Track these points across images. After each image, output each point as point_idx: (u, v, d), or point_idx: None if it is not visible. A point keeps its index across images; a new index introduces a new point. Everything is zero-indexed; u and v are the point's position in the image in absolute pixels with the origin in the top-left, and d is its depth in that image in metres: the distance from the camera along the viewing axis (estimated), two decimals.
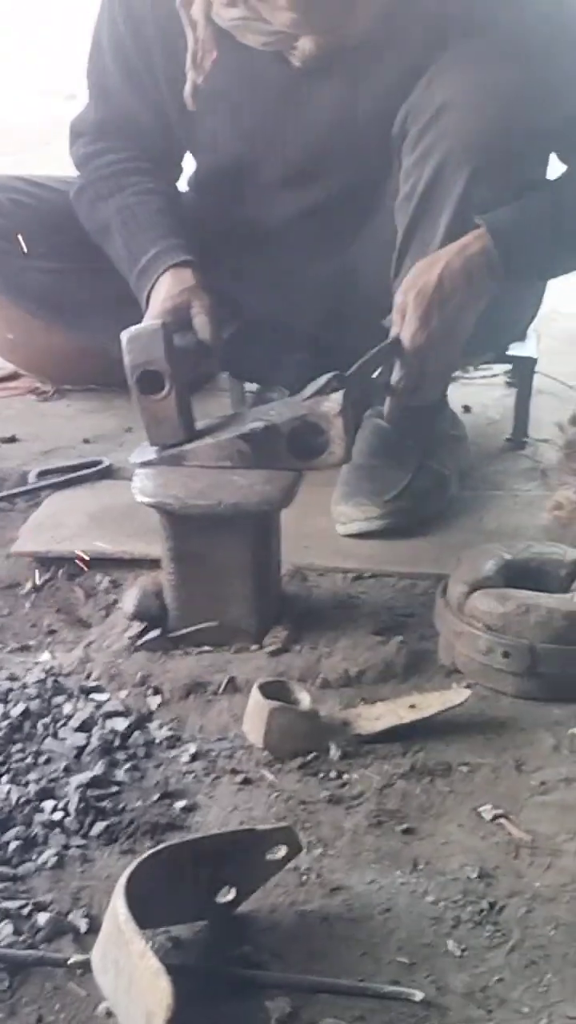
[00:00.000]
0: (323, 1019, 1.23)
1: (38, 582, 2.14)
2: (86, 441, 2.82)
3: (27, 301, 2.64)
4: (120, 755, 1.65)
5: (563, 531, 2.27)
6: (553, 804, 1.57)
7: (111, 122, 2.37)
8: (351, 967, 1.30)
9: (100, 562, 2.18)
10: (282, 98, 2.21)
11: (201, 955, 1.32)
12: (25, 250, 2.48)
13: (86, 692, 1.80)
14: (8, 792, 1.56)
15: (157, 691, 1.81)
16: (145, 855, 1.28)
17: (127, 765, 1.63)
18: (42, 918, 1.34)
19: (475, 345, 2.26)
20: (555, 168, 2.24)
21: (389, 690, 1.83)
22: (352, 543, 2.27)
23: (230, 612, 1.91)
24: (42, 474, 2.53)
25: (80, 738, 1.67)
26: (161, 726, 1.73)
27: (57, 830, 1.50)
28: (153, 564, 2.05)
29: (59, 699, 1.78)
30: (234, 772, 1.63)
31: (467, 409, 3.01)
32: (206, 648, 1.90)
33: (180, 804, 1.56)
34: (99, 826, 1.50)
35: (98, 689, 1.81)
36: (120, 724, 1.71)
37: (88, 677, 1.84)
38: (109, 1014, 1.21)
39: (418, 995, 1.25)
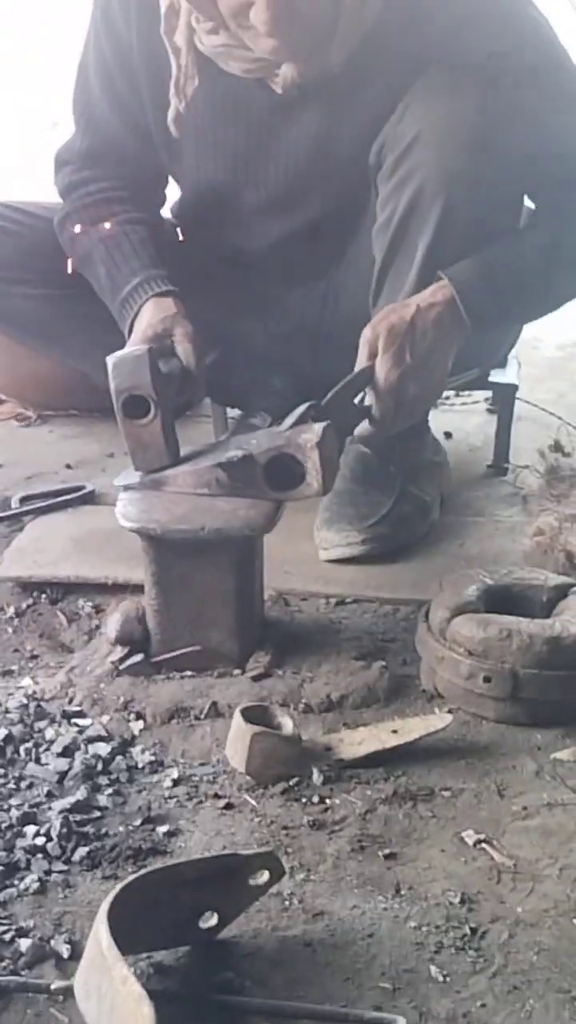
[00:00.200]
0: None
1: (20, 607, 2.14)
2: (68, 466, 2.82)
3: (10, 327, 2.64)
4: (102, 780, 1.65)
5: (544, 557, 2.28)
6: (535, 829, 1.57)
7: (97, 150, 2.37)
8: (334, 993, 1.30)
9: (82, 587, 2.18)
10: (264, 125, 2.22)
11: (183, 981, 1.32)
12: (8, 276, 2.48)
13: (68, 717, 1.80)
14: None
15: (140, 716, 1.81)
16: (127, 880, 1.28)
17: (109, 790, 1.63)
18: (24, 944, 1.34)
19: (455, 368, 2.26)
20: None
21: (371, 715, 1.83)
22: (334, 568, 2.28)
23: (213, 637, 1.91)
24: (25, 499, 2.53)
25: (62, 763, 1.67)
26: (144, 751, 1.73)
27: (39, 855, 1.49)
28: (136, 589, 2.06)
29: (41, 724, 1.78)
30: (217, 797, 1.63)
31: (448, 435, 3.02)
32: (189, 673, 1.90)
33: (163, 829, 1.55)
34: (81, 851, 1.50)
35: (80, 714, 1.81)
36: (103, 749, 1.71)
37: (70, 702, 1.84)
38: None
39: (401, 1021, 1.24)
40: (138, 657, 1.91)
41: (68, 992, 1.25)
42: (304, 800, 1.62)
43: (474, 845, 1.54)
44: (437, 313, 2.00)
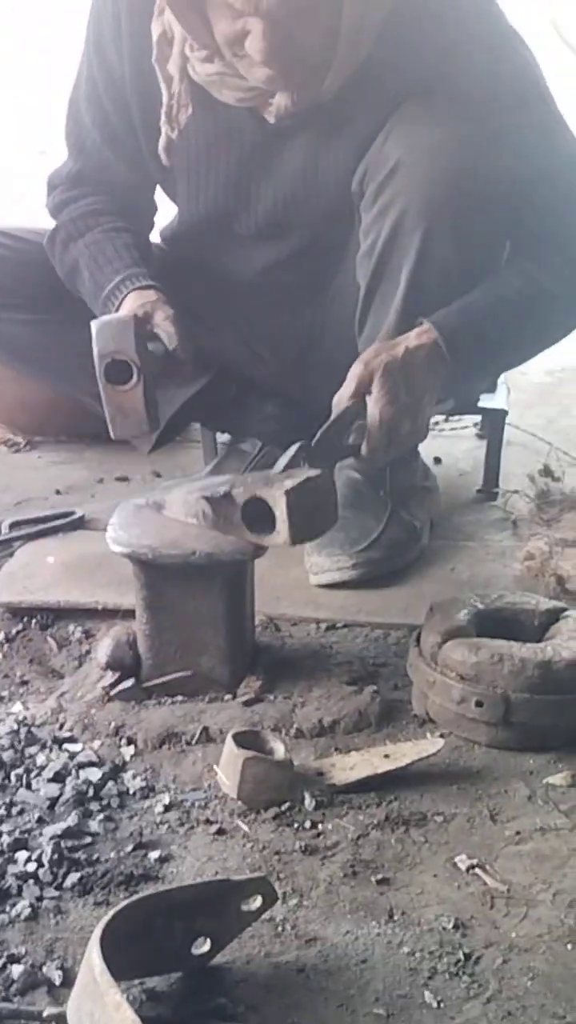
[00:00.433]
0: None
1: (10, 633, 2.13)
2: (58, 492, 2.82)
3: (0, 352, 2.64)
4: (94, 806, 1.65)
5: (535, 581, 2.28)
6: (528, 854, 1.57)
7: (87, 173, 2.38)
8: (327, 1019, 1.30)
9: (73, 612, 2.18)
10: (255, 153, 2.22)
11: (176, 1007, 1.31)
12: None
13: (59, 742, 1.79)
14: None
15: (131, 741, 1.81)
16: (120, 906, 1.28)
17: (101, 816, 1.62)
18: (16, 970, 1.33)
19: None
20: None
21: (363, 740, 1.83)
22: (325, 593, 2.28)
23: (204, 662, 1.91)
24: (14, 525, 2.52)
25: (53, 789, 1.67)
26: (135, 776, 1.72)
27: (31, 881, 1.49)
28: (126, 614, 2.06)
29: (32, 750, 1.77)
30: (208, 822, 1.62)
31: (438, 461, 3.02)
32: (180, 698, 1.90)
33: (154, 855, 1.55)
34: (73, 877, 1.49)
35: (71, 739, 1.81)
36: (94, 774, 1.70)
37: (61, 727, 1.84)
38: None
39: None
40: (129, 682, 1.90)
41: (61, 1019, 1.24)
42: (296, 825, 1.62)
43: (467, 870, 1.53)
44: (425, 353, 2.00)
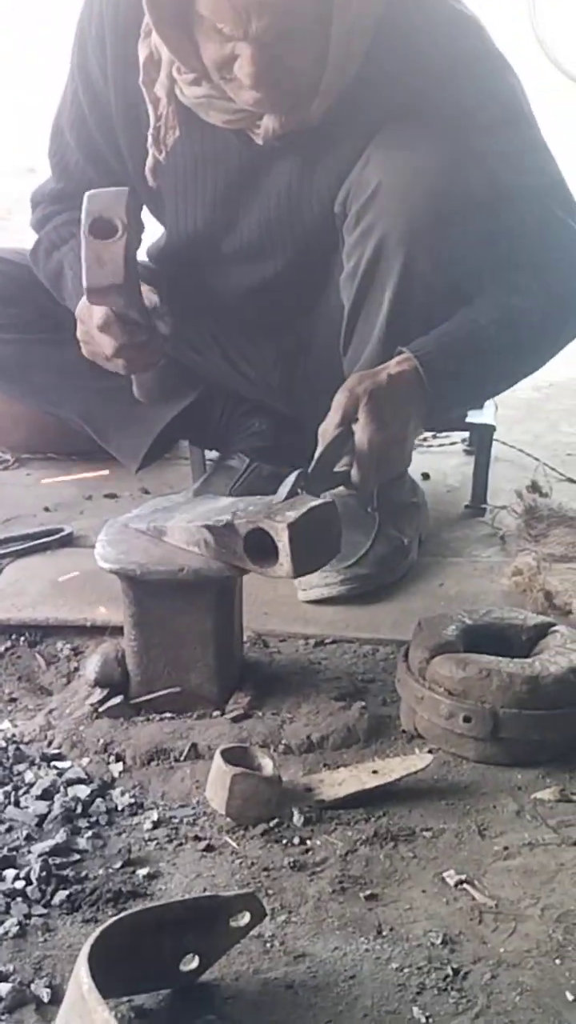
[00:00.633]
0: None
1: None
2: (47, 509, 2.82)
3: None
4: (82, 823, 1.64)
5: (523, 596, 2.29)
6: (516, 869, 1.57)
7: (71, 191, 2.37)
8: None
9: (61, 629, 2.18)
10: (241, 174, 2.23)
11: None
12: None
13: (48, 760, 1.79)
14: None
15: (119, 758, 1.80)
16: (108, 923, 1.27)
17: (89, 833, 1.62)
18: (3, 988, 1.33)
19: None
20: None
21: (351, 756, 1.83)
22: (313, 609, 2.28)
23: (192, 678, 1.91)
24: (3, 542, 2.52)
25: (42, 806, 1.66)
26: (123, 793, 1.72)
27: (19, 899, 1.48)
28: (114, 631, 2.06)
29: (20, 767, 1.77)
30: (197, 839, 1.62)
31: (426, 476, 3.03)
32: (168, 714, 1.90)
33: (143, 872, 1.55)
34: (61, 895, 1.49)
35: (60, 756, 1.81)
36: (82, 791, 1.70)
37: (50, 744, 1.84)
38: None
39: None
40: (117, 699, 1.90)
41: None
42: (285, 841, 1.62)
43: (455, 885, 1.53)
44: (406, 380, 2.00)
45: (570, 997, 1.35)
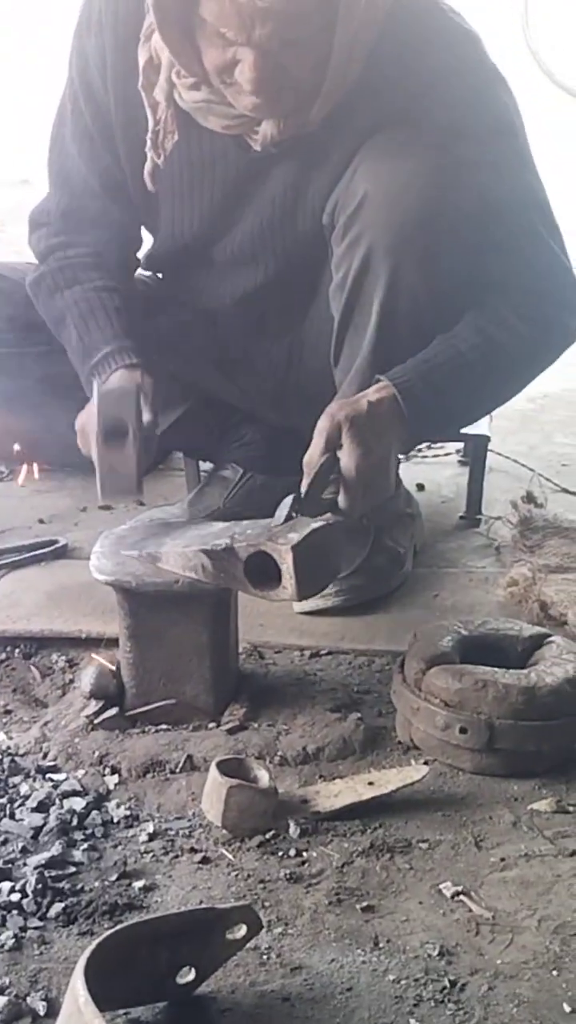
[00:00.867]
0: None
1: None
2: (41, 521, 2.82)
3: None
4: (78, 835, 1.64)
5: (518, 607, 2.29)
6: (513, 880, 1.57)
7: (74, 211, 2.35)
8: None
9: (56, 641, 2.18)
10: (238, 180, 2.23)
11: None
12: None
13: (43, 772, 1.79)
14: None
15: (115, 770, 1.80)
16: (104, 936, 1.27)
17: (85, 845, 1.62)
18: (0, 1001, 1.33)
19: None
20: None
21: (347, 767, 1.83)
22: (308, 620, 2.28)
23: (187, 690, 1.91)
24: None
25: (37, 818, 1.66)
26: (119, 805, 1.72)
27: (15, 912, 1.48)
28: (109, 643, 2.05)
29: (16, 779, 1.77)
30: (193, 851, 1.62)
31: (421, 487, 3.03)
32: (164, 726, 1.89)
33: (139, 884, 1.54)
34: (57, 907, 1.48)
35: (55, 769, 1.80)
36: (78, 804, 1.70)
37: (45, 757, 1.83)
38: None
39: None
40: (113, 711, 1.90)
41: None
42: (281, 853, 1.61)
43: (452, 897, 1.53)
44: (387, 407, 2.00)
45: (567, 1008, 1.34)
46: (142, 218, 2.39)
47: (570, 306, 2.20)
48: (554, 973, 1.40)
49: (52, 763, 1.82)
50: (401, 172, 2.06)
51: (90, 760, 1.82)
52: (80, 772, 1.80)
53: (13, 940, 1.43)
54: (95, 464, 2.04)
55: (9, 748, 1.85)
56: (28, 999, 1.34)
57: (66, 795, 1.72)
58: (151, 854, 1.61)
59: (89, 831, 1.65)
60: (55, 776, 1.78)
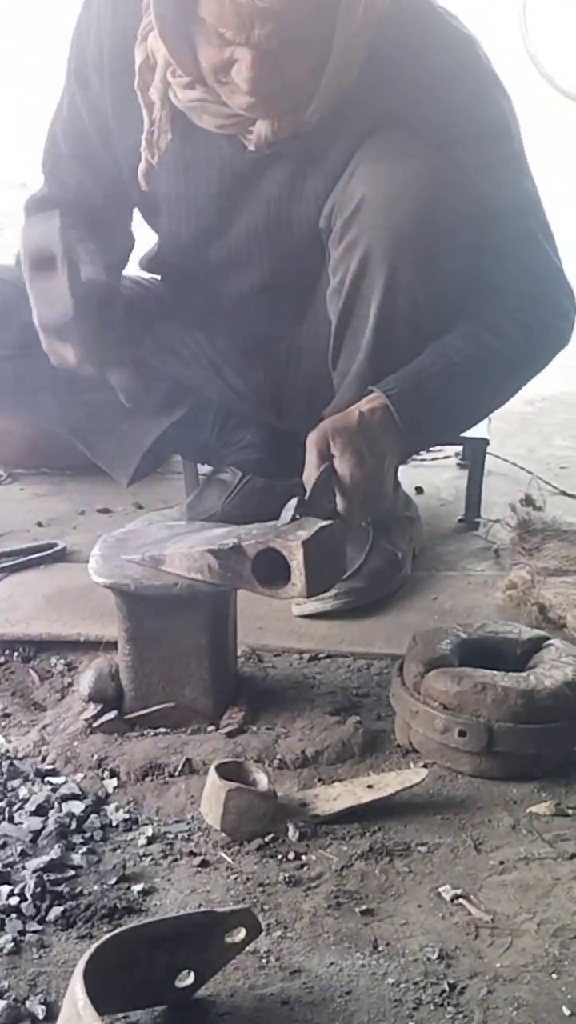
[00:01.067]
0: None
1: None
2: (40, 524, 2.82)
3: None
4: (77, 838, 1.64)
5: (517, 610, 2.29)
6: (512, 883, 1.57)
7: (63, 197, 2.35)
8: None
9: (55, 644, 2.18)
10: (233, 180, 2.23)
11: None
12: None
13: (42, 775, 1.79)
14: None
15: (113, 773, 1.80)
16: (103, 939, 1.27)
17: (84, 849, 1.61)
18: None
19: None
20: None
21: (346, 770, 1.83)
22: (307, 624, 2.28)
23: (186, 693, 1.91)
24: None
25: (36, 822, 1.66)
26: (118, 809, 1.72)
27: (13, 915, 1.48)
28: (108, 646, 2.05)
29: (14, 783, 1.76)
30: (192, 854, 1.62)
31: (419, 490, 3.03)
32: (162, 729, 1.89)
33: (138, 887, 1.54)
34: (56, 911, 1.48)
35: (54, 772, 1.80)
36: (76, 807, 1.69)
37: (44, 760, 1.83)
38: None
39: None
40: (111, 714, 1.90)
41: None
42: (280, 856, 1.61)
43: (451, 900, 1.53)
44: (379, 417, 2.00)
45: (567, 1012, 1.34)
46: (144, 218, 2.39)
47: (562, 310, 2.20)
48: (553, 976, 1.40)
49: (51, 766, 1.82)
50: (398, 175, 2.06)
51: (89, 763, 1.81)
52: (79, 775, 1.79)
53: (12, 944, 1.43)
54: (31, 298, 2.03)
55: (8, 751, 1.85)
56: (27, 1003, 1.34)
57: (65, 798, 1.72)
58: (150, 857, 1.61)
59: (88, 834, 1.65)
60: (54, 779, 1.78)
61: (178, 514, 2.62)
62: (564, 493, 3.05)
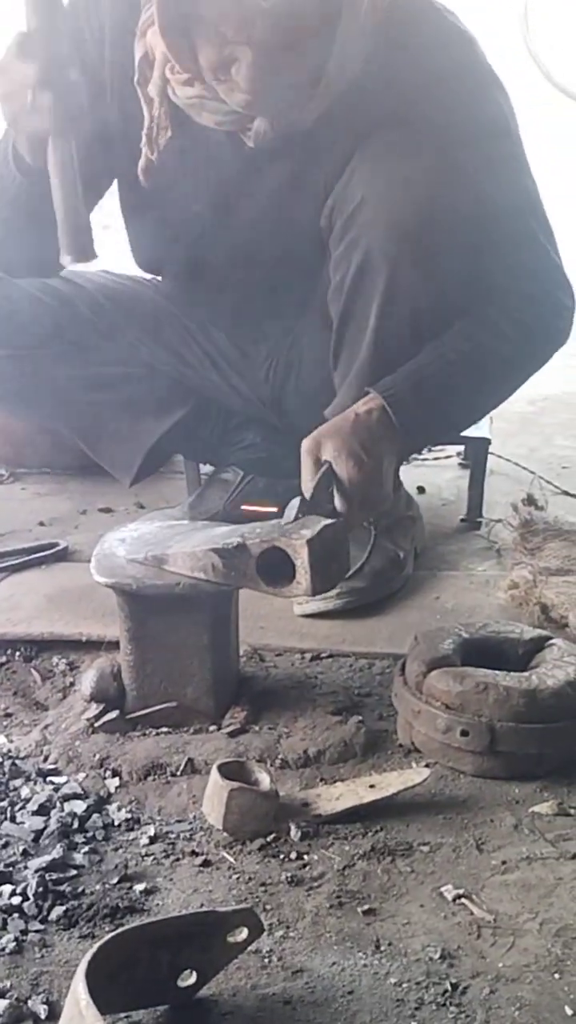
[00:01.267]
0: None
1: None
2: (41, 524, 2.82)
3: None
4: (79, 838, 1.64)
5: (519, 610, 2.29)
6: (514, 883, 1.56)
7: None
8: None
9: (56, 644, 2.18)
10: (232, 177, 2.23)
11: None
12: None
13: (44, 775, 1.79)
14: None
15: (115, 773, 1.80)
16: (105, 939, 1.27)
17: (86, 848, 1.61)
18: (0, 1005, 1.32)
19: None
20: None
21: (348, 770, 1.83)
22: (309, 623, 2.28)
23: (188, 693, 1.90)
24: None
25: (38, 821, 1.66)
26: (120, 808, 1.72)
27: (15, 915, 1.48)
28: (110, 646, 2.05)
29: (16, 782, 1.76)
30: (194, 854, 1.62)
31: (421, 490, 3.03)
32: (164, 729, 1.89)
33: (140, 887, 1.54)
34: (58, 910, 1.48)
35: (56, 772, 1.80)
36: (78, 807, 1.69)
37: (46, 760, 1.83)
38: None
39: None
40: (113, 714, 1.89)
41: None
42: (282, 856, 1.61)
43: (453, 900, 1.53)
44: (376, 418, 2.00)
45: (569, 1012, 1.34)
46: (140, 217, 2.38)
47: (561, 309, 2.21)
48: (556, 976, 1.40)
49: (53, 766, 1.82)
50: (398, 175, 2.06)
51: (91, 763, 1.81)
52: (81, 775, 1.79)
53: (14, 943, 1.43)
54: None
55: (10, 751, 1.85)
56: (29, 1002, 1.34)
57: (67, 798, 1.72)
58: (152, 857, 1.61)
59: (90, 834, 1.65)
60: (56, 779, 1.78)
61: (180, 513, 2.62)
62: (566, 493, 3.05)
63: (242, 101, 1.98)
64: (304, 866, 1.59)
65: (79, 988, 1.17)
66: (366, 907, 1.51)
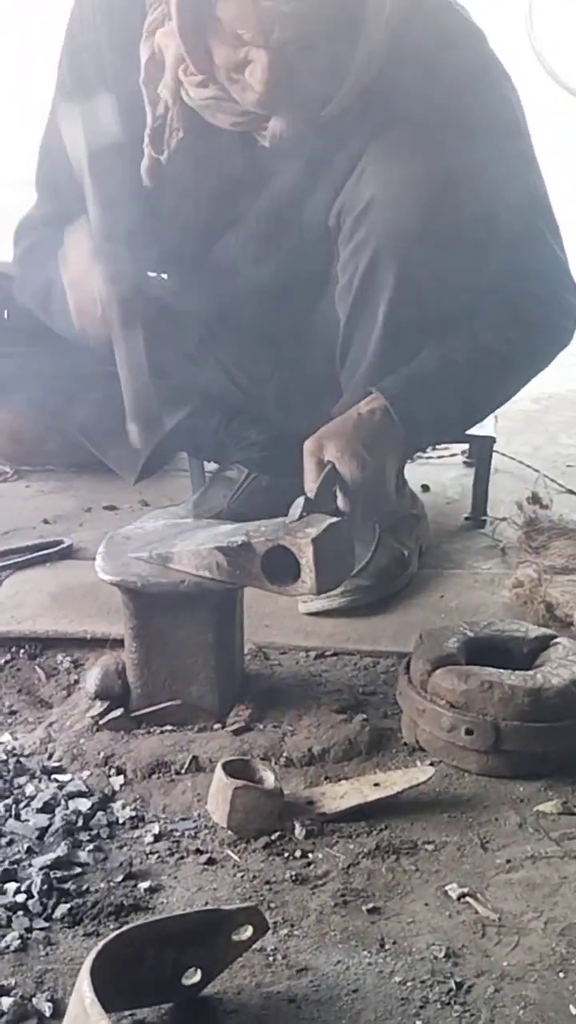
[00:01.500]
0: None
1: None
2: (46, 521, 2.82)
3: None
4: (83, 836, 1.64)
5: (524, 608, 2.29)
6: (519, 882, 1.56)
7: (61, 210, 2.33)
8: None
9: (61, 642, 2.18)
10: (244, 177, 2.23)
11: None
12: None
13: (48, 773, 1.79)
14: None
15: (120, 771, 1.80)
16: (110, 937, 1.27)
17: (90, 846, 1.61)
18: (5, 1002, 1.32)
19: None
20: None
21: (353, 768, 1.83)
22: (313, 621, 2.28)
23: (193, 691, 1.90)
24: (2, 554, 2.52)
25: (43, 819, 1.66)
26: (124, 806, 1.71)
27: (20, 912, 1.48)
28: (114, 643, 2.05)
29: (21, 780, 1.76)
30: (198, 852, 1.62)
31: (426, 488, 3.03)
32: (169, 727, 1.89)
33: (144, 885, 1.54)
34: (63, 908, 1.48)
35: (60, 769, 1.80)
36: (83, 804, 1.69)
37: (50, 757, 1.83)
38: None
39: None
40: (118, 712, 1.89)
41: None
42: (287, 854, 1.61)
43: (458, 899, 1.53)
44: (379, 418, 2.01)
45: (574, 1010, 1.34)
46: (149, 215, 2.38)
47: (567, 309, 2.20)
48: (560, 975, 1.39)
49: (57, 764, 1.82)
50: (408, 174, 2.06)
51: (95, 761, 1.81)
52: (85, 773, 1.79)
53: (19, 941, 1.43)
54: None
55: (14, 749, 1.85)
56: (34, 1000, 1.34)
57: (71, 796, 1.72)
58: (156, 855, 1.61)
59: (94, 832, 1.65)
60: (60, 777, 1.78)
61: (184, 511, 2.62)
62: (571, 491, 3.05)
63: (254, 100, 1.97)
64: (308, 864, 1.59)
65: (83, 986, 1.17)
66: (371, 905, 1.51)
